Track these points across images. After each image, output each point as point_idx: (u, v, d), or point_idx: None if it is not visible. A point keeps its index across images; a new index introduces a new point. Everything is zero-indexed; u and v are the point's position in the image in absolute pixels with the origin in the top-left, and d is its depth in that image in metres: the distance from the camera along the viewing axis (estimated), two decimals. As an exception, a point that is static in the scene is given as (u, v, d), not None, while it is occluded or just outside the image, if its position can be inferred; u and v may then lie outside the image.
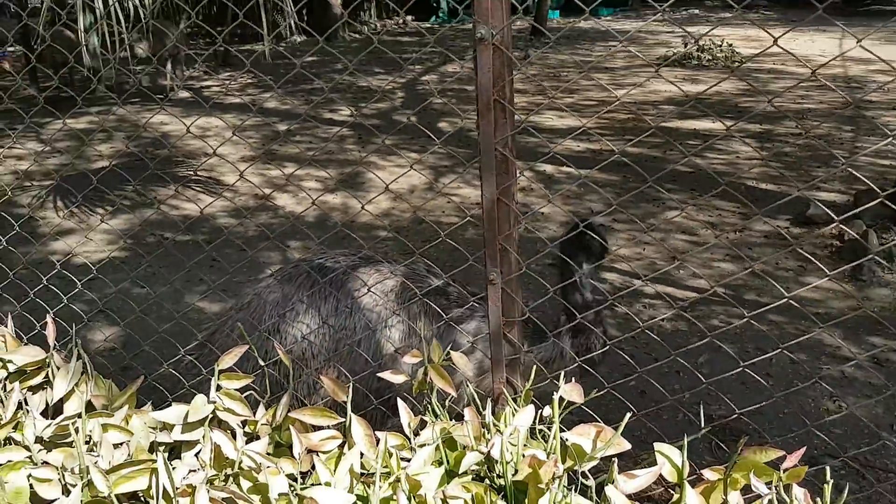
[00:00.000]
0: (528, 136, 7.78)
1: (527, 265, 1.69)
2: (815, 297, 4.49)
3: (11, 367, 1.94)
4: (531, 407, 1.47)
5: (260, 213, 6.25)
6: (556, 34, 11.65)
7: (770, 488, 1.32)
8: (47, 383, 1.94)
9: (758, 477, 1.34)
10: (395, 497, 1.27)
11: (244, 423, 1.74)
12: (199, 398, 1.70)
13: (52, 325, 1.99)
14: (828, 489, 1.31)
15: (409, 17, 18.43)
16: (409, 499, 1.26)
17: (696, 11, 20.26)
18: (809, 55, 11.97)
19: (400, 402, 1.50)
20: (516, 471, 1.31)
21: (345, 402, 1.59)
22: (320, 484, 1.46)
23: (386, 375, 1.62)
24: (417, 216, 5.87)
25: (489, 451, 1.35)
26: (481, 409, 1.52)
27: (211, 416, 1.70)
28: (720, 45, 12.56)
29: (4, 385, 1.90)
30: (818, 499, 1.28)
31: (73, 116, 9.17)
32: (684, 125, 8.55)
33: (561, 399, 1.47)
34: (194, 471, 1.58)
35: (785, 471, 1.32)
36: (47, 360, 1.97)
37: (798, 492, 1.25)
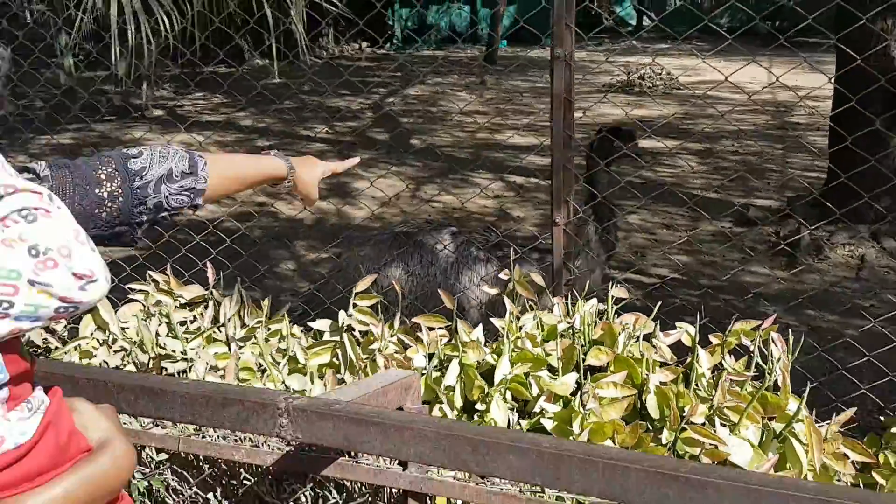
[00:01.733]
0: (496, 152, 8.56)
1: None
2: (758, 282, 5.33)
3: (181, 301, 2.55)
4: (594, 300, 2.17)
5: (262, 218, 6.82)
6: (508, 61, 12.52)
7: (753, 344, 2.05)
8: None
9: (747, 337, 2.07)
10: (520, 340, 1.95)
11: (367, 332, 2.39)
12: (342, 313, 2.34)
13: (211, 268, 2.60)
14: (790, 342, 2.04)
15: (364, 44, 19.17)
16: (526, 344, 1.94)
17: (636, 43, 21.59)
18: (741, 82, 13.13)
19: (506, 299, 2.17)
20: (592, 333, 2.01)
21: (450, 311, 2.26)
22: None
23: (485, 289, 2.29)
24: (406, 218, 6.54)
25: (573, 323, 2.03)
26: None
27: (347, 326, 2.35)
28: (660, 74, 13.67)
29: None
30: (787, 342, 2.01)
31: (58, 133, 9.54)
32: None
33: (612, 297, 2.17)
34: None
35: (762, 331, 2.04)
36: (207, 296, 2.58)
37: (774, 336, 1.97)
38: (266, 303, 2.50)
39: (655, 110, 11.56)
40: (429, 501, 1.39)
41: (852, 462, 1.79)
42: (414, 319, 2.33)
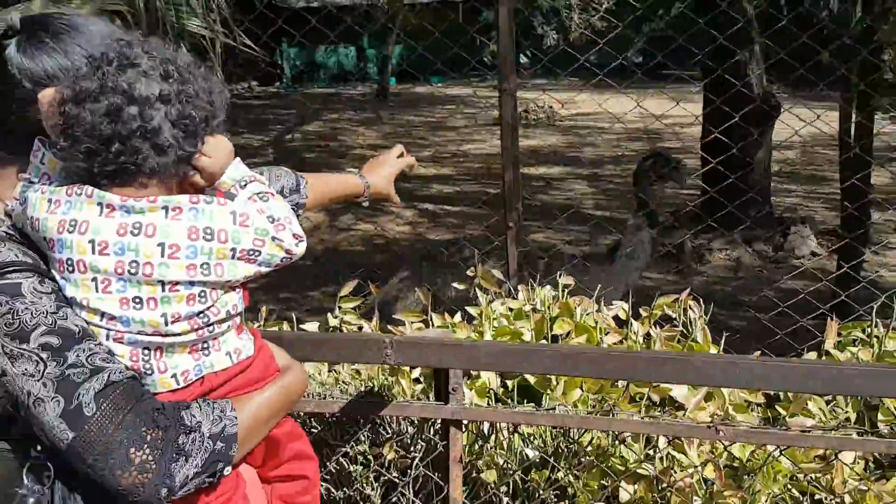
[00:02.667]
0: (404, 182, 9.04)
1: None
2: (652, 285, 6.04)
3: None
4: (548, 286, 2.66)
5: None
6: (399, 98, 13.16)
7: (675, 311, 2.59)
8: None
9: (669, 308, 2.61)
10: (496, 319, 2.41)
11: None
12: (329, 315, 2.73)
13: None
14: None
15: (254, 83, 19.34)
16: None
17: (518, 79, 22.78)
18: (618, 113, 14.32)
19: (477, 290, 2.63)
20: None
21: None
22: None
23: (456, 285, 2.73)
24: (326, 246, 6.90)
25: (535, 305, 2.51)
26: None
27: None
28: (542, 107, 14.67)
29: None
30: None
31: None
32: (527, 171, 10.23)
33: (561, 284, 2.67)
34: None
35: (681, 300, 2.59)
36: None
37: (691, 303, 2.52)
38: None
39: (543, 140, 12.46)
40: (463, 429, 1.80)
41: (763, 394, 2.35)
42: (395, 316, 2.73)
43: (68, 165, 1.09)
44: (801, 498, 1.85)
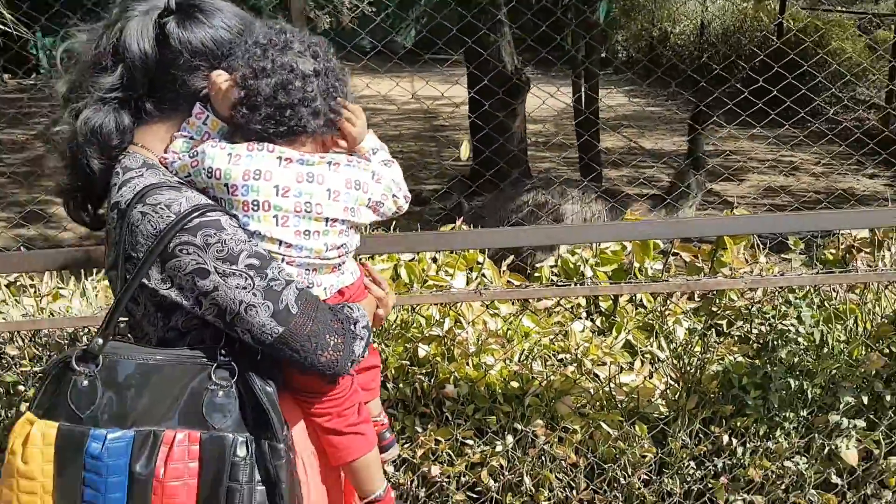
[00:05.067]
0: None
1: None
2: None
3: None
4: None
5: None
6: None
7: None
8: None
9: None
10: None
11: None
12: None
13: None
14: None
15: (6, 76, 17.80)
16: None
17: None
18: (390, 95, 15.10)
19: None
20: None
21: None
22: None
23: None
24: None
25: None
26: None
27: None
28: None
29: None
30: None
31: None
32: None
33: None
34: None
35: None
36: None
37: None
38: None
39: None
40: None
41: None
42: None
43: (244, 127, 1.37)
44: (547, 354, 2.60)
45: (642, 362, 2.58)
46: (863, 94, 9.84)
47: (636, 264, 2.79)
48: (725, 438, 2.35)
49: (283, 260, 1.39)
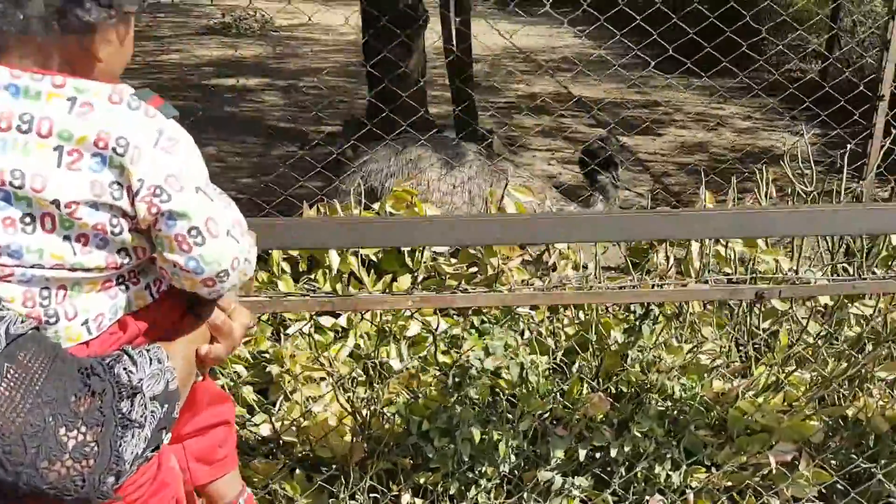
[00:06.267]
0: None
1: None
2: (320, 185, 6.22)
3: None
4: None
5: None
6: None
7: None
8: None
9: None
10: None
11: None
12: None
13: None
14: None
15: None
16: None
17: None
18: (331, 25, 14.22)
19: None
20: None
21: None
22: None
23: None
24: None
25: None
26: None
27: None
28: (254, 16, 14.17)
29: None
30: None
31: None
32: (223, 82, 9.93)
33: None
34: None
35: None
36: None
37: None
38: None
39: (249, 51, 12.08)
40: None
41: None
42: None
43: None
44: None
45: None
46: (804, 41, 9.16)
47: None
48: (406, 499, 1.81)
49: None
